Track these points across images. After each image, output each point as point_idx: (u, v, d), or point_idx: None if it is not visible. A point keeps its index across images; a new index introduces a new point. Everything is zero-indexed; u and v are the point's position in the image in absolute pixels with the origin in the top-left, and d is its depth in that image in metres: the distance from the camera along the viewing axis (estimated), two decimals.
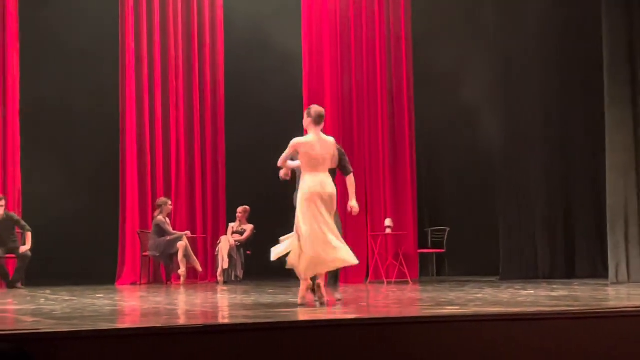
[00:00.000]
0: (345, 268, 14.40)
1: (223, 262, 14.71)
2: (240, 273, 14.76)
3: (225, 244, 14.78)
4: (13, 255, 13.77)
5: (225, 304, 9.05)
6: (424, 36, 15.39)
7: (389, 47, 15.32)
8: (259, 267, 14.56)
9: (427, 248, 15.17)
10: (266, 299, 9.57)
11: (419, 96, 15.45)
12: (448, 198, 16.26)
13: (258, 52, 15.28)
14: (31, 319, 7.00)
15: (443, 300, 8.79)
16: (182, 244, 14.35)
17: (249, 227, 15.07)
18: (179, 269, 14.41)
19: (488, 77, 14.87)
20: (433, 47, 15.34)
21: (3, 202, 13.69)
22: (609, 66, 12.43)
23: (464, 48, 15.25)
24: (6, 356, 4.47)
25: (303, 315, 7.30)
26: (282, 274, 15.94)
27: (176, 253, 14.39)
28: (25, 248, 13.74)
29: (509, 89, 14.53)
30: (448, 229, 15.01)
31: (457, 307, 7.62)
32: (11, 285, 13.41)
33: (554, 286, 11.43)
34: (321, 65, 14.89)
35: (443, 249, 14.97)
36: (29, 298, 10.37)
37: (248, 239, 15.05)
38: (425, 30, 15.35)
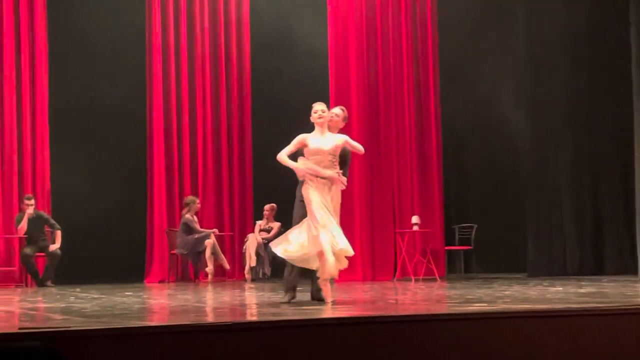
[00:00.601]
0: (372, 265, 14.51)
1: (250, 260, 14.74)
2: (267, 270, 14.78)
3: (252, 241, 14.82)
4: (43, 254, 13.88)
5: (253, 302, 9.08)
6: (450, 30, 15.33)
7: (416, 42, 15.26)
8: (284, 264, 14.57)
9: (455, 245, 15.12)
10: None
11: (445, 92, 15.40)
12: (475, 195, 16.19)
13: (284, 48, 15.27)
14: (61, 317, 7.05)
15: (471, 297, 8.77)
16: (209, 242, 14.39)
17: (276, 225, 15.08)
18: (207, 266, 14.45)
19: (515, 72, 14.80)
20: (459, 42, 15.28)
21: (33, 201, 13.80)
22: (637, 59, 12.34)
23: (491, 42, 15.18)
24: (36, 354, 4.51)
25: (331, 313, 7.31)
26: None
27: (204, 251, 14.44)
28: (55, 246, 13.84)
29: (537, 84, 14.46)
30: (475, 226, 14.95)
31: (485, 304, 7.60)
32: (41, 283, 13.51)
33: (583, 283, 11.38)
34: (347, 61, 14.84)
35: (470, 246, 14.91)
36: (58, 296, 10.44)
37: (275, 237, 15.05)
38: (452, 24, 15.29)
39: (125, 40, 15.04)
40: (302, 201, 8.37)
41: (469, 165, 16.32)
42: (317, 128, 8.49)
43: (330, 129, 8.58)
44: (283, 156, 8.44)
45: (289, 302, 8.34)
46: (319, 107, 8.59)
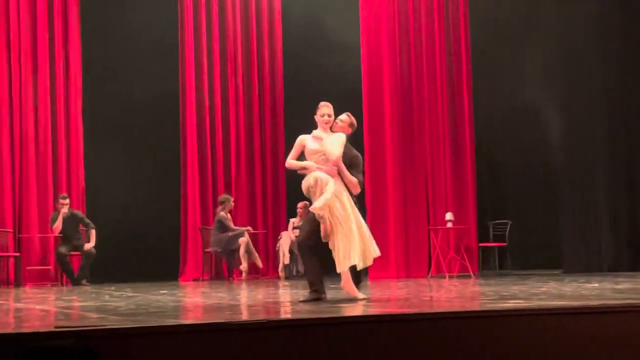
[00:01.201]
0: (406, 262, 14.47)
1: (284, 258, 14.76)
2: (301, 268, 14.75)
3: (286, 239, 14.83)
4: (78, 253, 13.97)
5: (287, 299, 9.08)
6: (482, 23, 15.24)
7: (448, 36, 15.19)
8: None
9: (489, 242, 15.05)
10: (328, 294, 9.56)
11: (478, 86, 15.33)
12: (509, 191, 16.12)
13: (316, 42, 15.27)
14: (96, 316, 7.08)
15: (506, 294, 8.71)
16: (243, 240, 14.42)
17: None
18: (241, 264, 14.48)
19: (548, 65, 14.68)
20: (491, 35, 15.20)
21: (67, 201, 13.90)
22: None
23: (524, 35, 15.09)
24: (72, 352, 4.53)
25: (366, 310, 7.29)
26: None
27: (238, 249, 14.47)
28: (89, 245, 13.94)
29: (571, 77, 14.33)
30: (510, 223, 14.87)
31: (520, 301, 7.55)
32: (76, 282, 13.60)
33: (619, 279, 11.27)
34: (380, 55, 14.78)
35: (505, 242, 14.84)
36: (93, 295, 10.50)
37: None
38: (484, 17, 15.21)
39: (158, 39, 15.10)
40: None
41: (503, 161, 16.24)
42: (319, 128, 8.48)
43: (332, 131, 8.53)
44: (290, 162, 8.50)
45: (318, 300, 8.25)
46: (326, 110, 8.55)
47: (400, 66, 14.85)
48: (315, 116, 8.54)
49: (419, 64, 14.98)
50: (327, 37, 14.75)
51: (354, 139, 9.10)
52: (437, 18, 15.12)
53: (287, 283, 13.18)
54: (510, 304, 7.20)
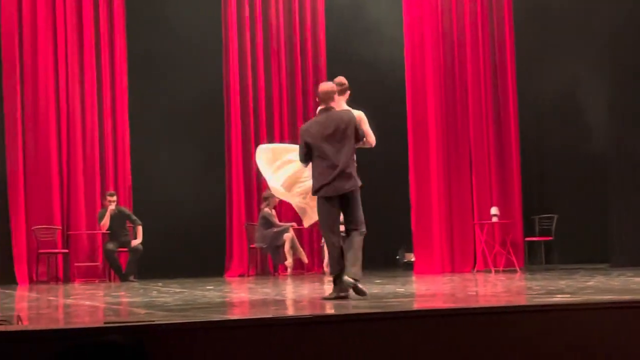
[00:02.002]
0: (451, 257, 14.41)
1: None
2: None
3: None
4: (125, 249, 14.10)
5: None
6: (527, 14, 15.12)
7: (492, 29, 15.06)
8: (364, 257, 14.56)
9: (535, 236, 14.95)
10: (373, 288, 9.57)
11: (523, 80, 15.22)
12: (555, 185, 15.98)
13: (360, 34, 15.24)
14: (144, 311, 7.15)
15: (553, 288, 8.66)
16: (288, 236, 14.46)
17: None
18: (286, 260, 14.52)
19: (595, 56, 14.50)
20: (536, 26, 15.07)
21: (115, 198, 14.03)
22: None
23: (569, 26, 14.94)
24: (121, 347, 4.57)
25: (412, 304, 7.29)
26: (389, 263, 16.00)
27: (283, 245, 14.51)
28: (136, 242, 14.06)
29: (617, 67, 14.16)
30: (556, 217, 14.75)
31: (567, 295, 7.51)
32: (124, 278, 13.73)
33: None
34: (423, 49, 14.64)
35: (551, 236, 14.72)
36: (141, 291, 10.59)
37: None
38: (529, 7, 15.09)
39: (202, 35, 15.18)
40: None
41: (549, 154, 16.10)
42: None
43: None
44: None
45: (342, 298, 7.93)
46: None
47: (443, 58, 14.75)
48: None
49: (462, 56, 14.87)
50: (370, 29, 14.72)
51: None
52: (481, 9, 15.01)
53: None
54: (557, 299, 7.16)
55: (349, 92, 8.60)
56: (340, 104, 8.40)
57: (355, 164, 8.07)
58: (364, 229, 8.03)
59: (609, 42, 14.23)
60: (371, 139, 8.41)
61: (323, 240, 14.95)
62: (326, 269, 14.69)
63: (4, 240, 13.28)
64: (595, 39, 14.47)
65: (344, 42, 15.76)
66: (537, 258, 15.19)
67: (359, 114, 8.37)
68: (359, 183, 8.01)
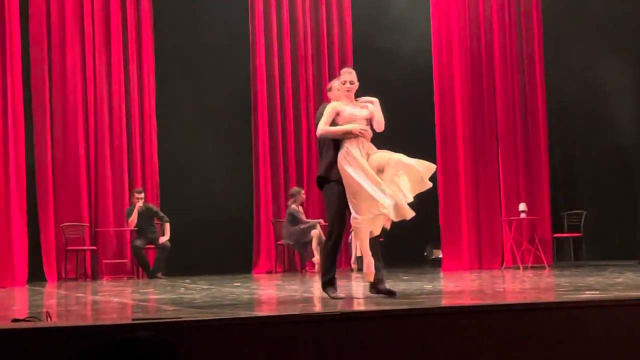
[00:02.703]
0: (479, 254, 14.36)
1: (356, 250, 14.75)
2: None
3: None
4: (153, 246, 14.15)
5: (359, 291, 9.08)
6: (555, 3, 15.03)
7: (519, 19, 14.97)
8: (392, 254, 14.55)
9: (564, 232, 14.86)
10: (401, 285, 9.55)
11: (551, 74, 15.12)
12: (584, 181, 15.89)
13: (386, 27, 15.21)
14: (172, 308, 7.17)
15: (582, 285, 8.61)
16: (315, 232, 14.46)
17: None
18: (313, 257, 14.52)
19: (624, 49, 14.39)
20: (564, 17, 14.97)
21: (143, 195, 14.09)
22: None
23: (597, 16, 14.83)
24: (149, 344, 4.58)
25: (440, 301, 7.27)
26: (417, 260, 15.95)
27: (310, 241, 14.51)
28: (164, 239, 14.10)
29: None
30: (585, 213, 14.66)
31: (597, 292, 7.46)
32: (152, 275, 13.78)
33: None
34: (450, 42, 14.50)
35: (580, 233, 14.63)
36: (169, 287, 10.64)
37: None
38: (557, 5, 15.01)
39: (229, 31, 15.18)
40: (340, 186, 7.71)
41: (577, 149, 16.01)
42: (344, 98, 7.93)
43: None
44: (325, 127, 7.78)
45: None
46: (347, 77, 7.95)
47: (470, 52, 14.66)
48: (333, 87, 8.07)
49: (490, 50, 14.78)
50: (397, 21, 14.67)
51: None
52: (508, 2, 14.92)
53: (359, 275, 13.18)
54: (586, 295, 7.12)
55: (339, 92, 8.26)
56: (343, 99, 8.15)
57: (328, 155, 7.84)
58: None
59: (638, 32, 14.11)
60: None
61: (350, 236, 14.95)
62: (353, 265, 14.67)
63: (33, 237, 13.36)
64: (624, 30, 14.36)
65: (371, 36, 15.71)
66: (565, 254, 15.11)
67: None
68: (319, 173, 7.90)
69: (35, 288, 11.67)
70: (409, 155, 7.94)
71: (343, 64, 15.45)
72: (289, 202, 14.82)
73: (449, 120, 14.42)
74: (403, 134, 14.56)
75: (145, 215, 14.10)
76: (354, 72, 8.05)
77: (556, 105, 15.32)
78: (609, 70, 14.32)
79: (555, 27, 15.13)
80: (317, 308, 6.99)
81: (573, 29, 15.14)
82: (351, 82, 7.93)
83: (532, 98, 14.92)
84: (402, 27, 14.68)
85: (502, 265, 14.23)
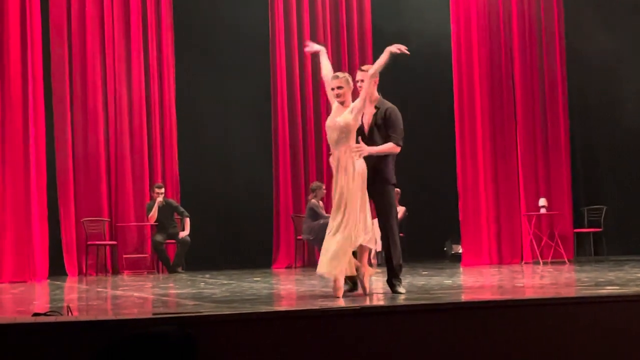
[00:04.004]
0: (499, 249, 14.32)
1: (376, 245, 14.72)
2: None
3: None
4: (173, 241, 14.19)
5: (379, 287, 9.09)
6: (577, 5, 14.98)
7: (539, 19, 14.92)
8: (412, 249, 14.55)
9: (584, 227, 14.80)
10: (420, 280, 9.55)
11: (572, 70, 15.06)
12: (604, 176, 15.81)
13: (406, 26, 15.17)
14: (192, 303, 7.20)
15: (602, 280, 8.58)
16: None
17: (401, 210, 15.01)
18: None
19: None
20: (586, 15, 14.90)
21: (163, 190, 14.13)
22: None
23: (618, 14, 14.76)
24: (170, 338, 4.61)
25: (460, 296, 7.26)
26: (437, 255, 15.92)
27: None
28: (184, 234, 14.14)
29: None
30: (605, 208, 14.59)
31: (617, 287, 7.43)
32: (172, 270, 13.82)
33: None
34: (470, 40, 14.52)
35: (600, 228, 14.56)
36: (189, 282, 10.67)
37: (400, 222, 15.02)
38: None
39: (249, 29, 15.17)
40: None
41: (598, 145, 15.92)
42: (337, 103, 7.80)
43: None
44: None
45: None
46: (334, 83, 7.89)
47: (490, 45, 14.64)
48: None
49: (509, 47, 14.76)
50: (417, 20, 14.64)
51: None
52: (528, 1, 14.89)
53: (379, 270, 13.16)
54: (607, 290, 7.09)
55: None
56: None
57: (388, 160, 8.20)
58: None
59: None
60: None
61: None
62: (373, 260, 14.66)
63: (54, 232, 13.42)
64: None
65: (391, 27, 15.67)
66: (585, 250, 15.05)
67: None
68: None
69: (56, 283, 11.74)
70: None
71: (363, 59, 15.46)
72: (310, 197, 14.81)
73: (468, 115, 14.40)
74: (423, 137, 14.56)
75: (166, 211, 14.14)
76: (342, 77, 7.91)
77: (577, 101, 15.25)
78: (632, 63, 14.24)
79: (577, 18, 15.04)
80: (337, 303, 7.00)
81: (596, 20, 15.04)
82: (339, 87, 7.78)
83: (553, 92, 14.87)
84: (421, 17, 14.58)
85: (522, 260, 14.19)
